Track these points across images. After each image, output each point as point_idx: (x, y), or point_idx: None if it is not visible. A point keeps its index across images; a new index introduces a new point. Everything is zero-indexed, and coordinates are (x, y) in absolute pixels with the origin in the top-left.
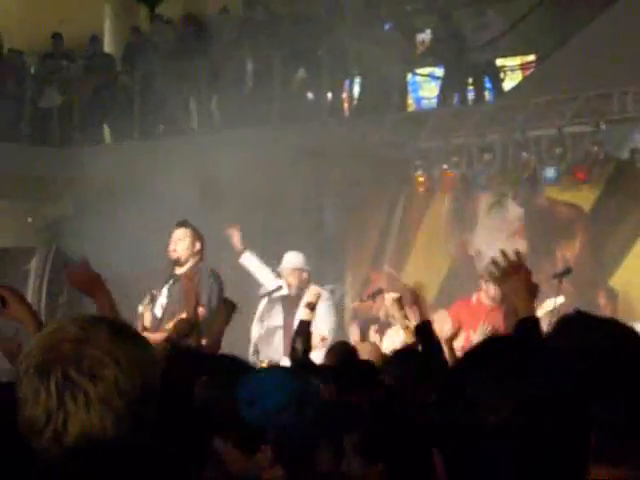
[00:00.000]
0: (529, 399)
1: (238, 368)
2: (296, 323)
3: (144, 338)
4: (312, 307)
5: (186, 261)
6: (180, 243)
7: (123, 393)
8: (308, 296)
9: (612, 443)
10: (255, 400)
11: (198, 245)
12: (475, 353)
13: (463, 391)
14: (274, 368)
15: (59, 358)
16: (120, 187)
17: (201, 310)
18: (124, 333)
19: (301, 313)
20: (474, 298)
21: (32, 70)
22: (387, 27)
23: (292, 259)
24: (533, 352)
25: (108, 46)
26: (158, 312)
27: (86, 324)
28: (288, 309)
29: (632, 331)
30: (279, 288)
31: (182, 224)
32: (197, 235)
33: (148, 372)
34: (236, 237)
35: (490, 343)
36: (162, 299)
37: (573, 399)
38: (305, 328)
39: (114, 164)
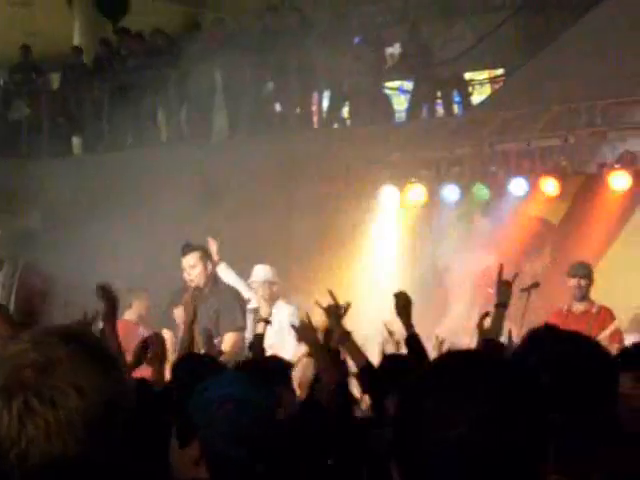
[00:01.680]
0: (485, 414)
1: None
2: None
3: (112, 357)
4: (267, 322)
5: (206, 285)
6: (193, 270)
7: (86, 420)
8: (264, 311)
9: (570, 454)
10: (207, 389)
11: (210, 266)
12: (433, 368)
13: (421, 405)
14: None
15: (21, 385)
16: (89, 199)
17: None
18: (89, 355)
19: (259, 327)
20: (564, 309)
21: (0, 82)
22: (356, 40)
23: (261, 272)
24: (490, 366)
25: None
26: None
27: (49, 348)
28: (258, 322)
29: (596, 345)
30: (248, 301)
31: (189, 249)
32: (206, 255)
33: (115, 393)
34: (213, 248)
35: (448, 358)
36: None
37: (529, 413)
38: (259, 342)
39: (82, 176)
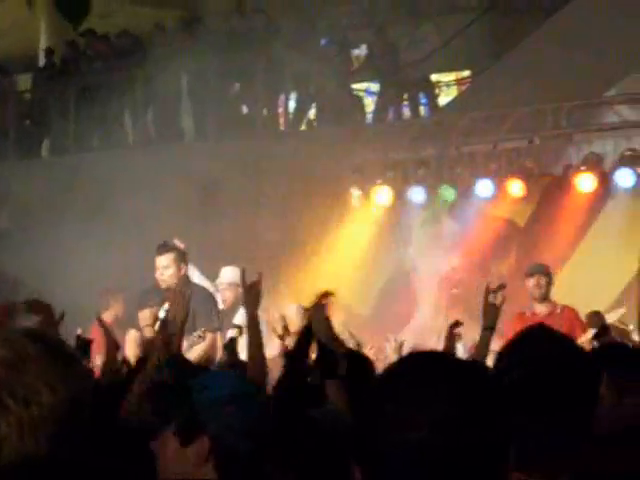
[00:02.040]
0: (446, 416)
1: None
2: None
3: (74, 355)
4: (241, 331)
5: (177, 287)
6: (167, 271)
7: (57, 417)
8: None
9: (534, 453)
10: (207, 387)
11: (184, 268)
12: (395, 369)
13: (382, 408)
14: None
15: None
16: (56, 201)
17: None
18: (56, 352)
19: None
20: (528, 312)
21: None
22: (323, 42)
23: (229, 274)
24: (451, 368)
25: (43, 60)
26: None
27: (18, 345)
28: (224, 323)
29: (579, 349)
30: None
31: (164, 250)
32: (181, 257)
33: (79, 391)
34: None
35: (410, 360)
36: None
37: (490, 414)
38: (234, 344)
39: (50, 178)
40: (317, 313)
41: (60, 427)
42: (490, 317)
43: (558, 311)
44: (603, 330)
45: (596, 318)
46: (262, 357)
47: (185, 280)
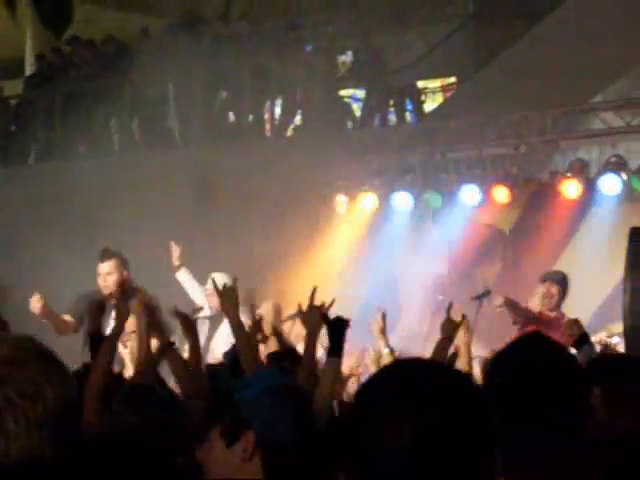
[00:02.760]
0: (430, 424)
1: None
2: (214, 344)
3: (57, 356)
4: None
5: (116, 293)
6: (110, 277)
7: (58, 413)
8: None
9: (521, 459)
10: (250, 385)
11: (126, 273)
12: (379, 377)
13: (367, 416)
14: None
15: None
16: (43, 208)
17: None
18: (46, 353)
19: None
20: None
21: None
22: (308, 48)
23: (218, 280)
24: (436, 376)
25: (30, 67)
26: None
27: (18, 344)
28: (210, 330)
29: (572, 357)
30: (200, 309)
31: (107, 256)
32: (123, 262)
33: (70, 390)
34: (175, 253)
35: (395, 367)
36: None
37: (474, 422)
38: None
39: (36, 185)
40: (312, 315)
41: (61, 423)
42: (448, 329)
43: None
44: (583, 338)
45: (575, 326)
46: (254, 358)
47: (126, 286)
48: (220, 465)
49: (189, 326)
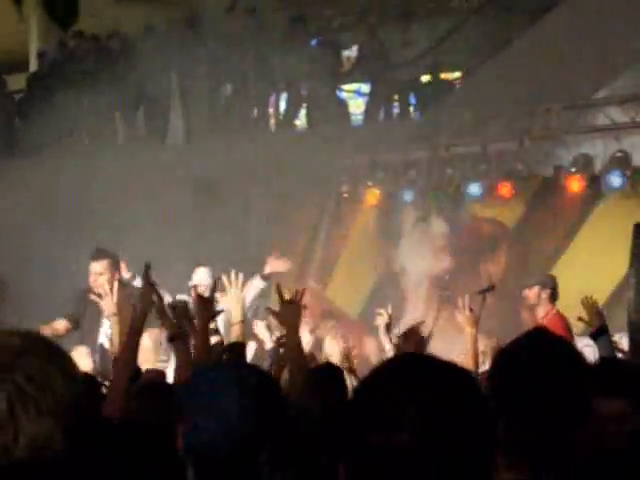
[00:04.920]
0: (428, 418)
1: None
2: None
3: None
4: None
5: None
6: (101, 277)
7: (69, 403)
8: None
9: (521, 452)
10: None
11: (117, 274)
12: (381, 371)
13: (366, 409)
14: None
15: (7, 368)
16: (36, 202)
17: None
18: (54, 346)
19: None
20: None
21: None
22: (313, 43)
23: (202, 275)
24: (435, 370)
25: (34, 61)
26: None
27: (26, 334)
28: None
29: (577, 354)
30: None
31: (99, 256)
32: (114, 262)
33: (79, 383)
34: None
35: (396, 362)
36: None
37: (473, 415)
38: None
39: (38, 178)
40: (287, 311)
41: (71, 414)
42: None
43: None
44: (602, 328)
45: (596, 316)
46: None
47: (120, 285)
48: None
49: (205, 309)
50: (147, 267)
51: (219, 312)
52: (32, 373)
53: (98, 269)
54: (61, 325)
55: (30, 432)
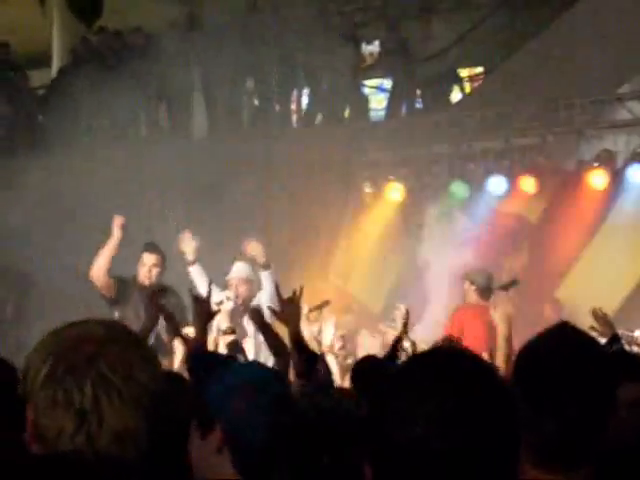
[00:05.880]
0: (453, 413)
1: None
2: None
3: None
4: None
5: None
6: (155, 269)
7: (152, 393)
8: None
9: (553, 452)
10: (222, 379)
11: (164, 270)
12: (404, 367)
13: (390, 405)
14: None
15: (91, 358)
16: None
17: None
18: (136, 335)
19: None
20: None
21: None
22: (336, 38)
23: (241, 269)
24: (459, 366)
25: (57, 56)
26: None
27: (112, 324)
28: (232, 319)
29: (599, 349)
30: (227, 299)
31: (155, 249)
32: (163, 258)
33: (160, 374)
34: (191, 246)
35: (420, 357)
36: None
37: (499, 412)
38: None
39: (62, 173)
40: (287, 310)
41: (155, 405)
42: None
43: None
44: (614, 338)
45: (606, 327)
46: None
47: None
48: (196, 458)
49: (202, 310)
50: (160, 290)
51: (216, 313)
52: (116, 363)
53: (153, 261)
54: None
55: (114, 422)
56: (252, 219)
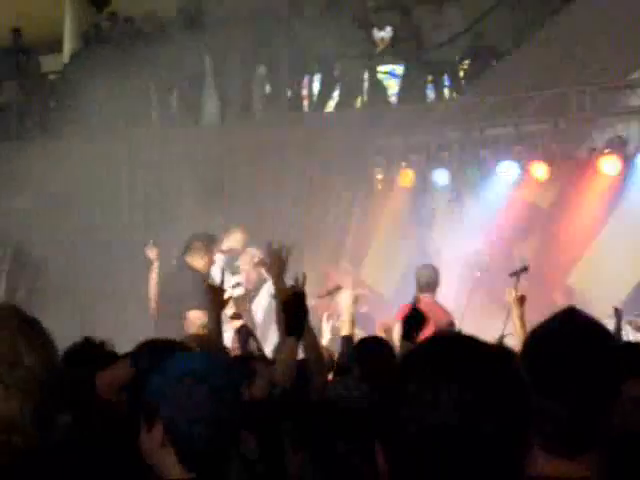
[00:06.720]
0: (467, 398)
1: None
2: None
3: (43, 327)
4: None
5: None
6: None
7: (39, 379)
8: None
9: (560, 436)
10: (160, 371)
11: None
12: (419, 351)
13: (404, 389)
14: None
15: None
16: (80, 182)
17: None
18: (30, 320)
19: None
20: None
21: None
22: (347, 24)
23: (254, 254)
24: (475, 350)
25: (69, 42)
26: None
27: None
28: (239, 305)
29: (606, 333)
30: (237, 285)
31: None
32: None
33: (54, 358)
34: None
35: (433, 342)
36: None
37: (511, 397)
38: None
39: (72, 159)
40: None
41: (42, 392)
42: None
43: None
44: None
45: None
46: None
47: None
48: (144, 450)
49: (215, 297)
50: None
51: (229, 300)
52: (2, 348)
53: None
54: None
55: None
56: (262, 205)
